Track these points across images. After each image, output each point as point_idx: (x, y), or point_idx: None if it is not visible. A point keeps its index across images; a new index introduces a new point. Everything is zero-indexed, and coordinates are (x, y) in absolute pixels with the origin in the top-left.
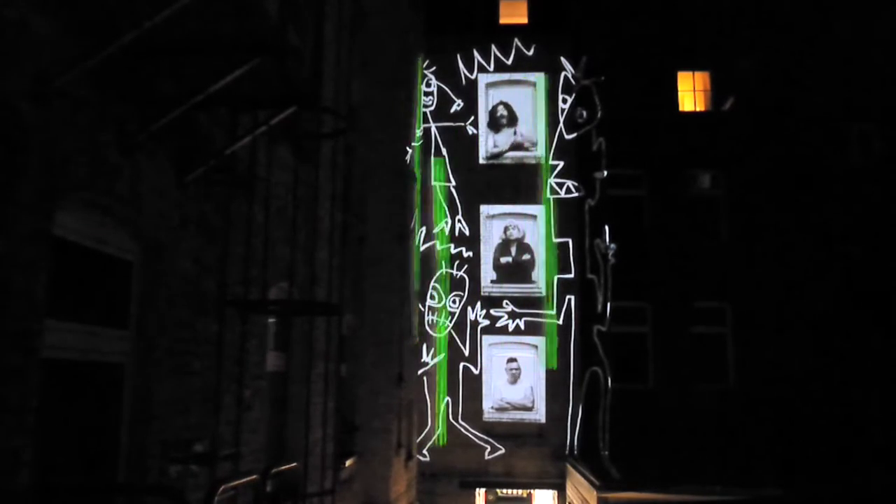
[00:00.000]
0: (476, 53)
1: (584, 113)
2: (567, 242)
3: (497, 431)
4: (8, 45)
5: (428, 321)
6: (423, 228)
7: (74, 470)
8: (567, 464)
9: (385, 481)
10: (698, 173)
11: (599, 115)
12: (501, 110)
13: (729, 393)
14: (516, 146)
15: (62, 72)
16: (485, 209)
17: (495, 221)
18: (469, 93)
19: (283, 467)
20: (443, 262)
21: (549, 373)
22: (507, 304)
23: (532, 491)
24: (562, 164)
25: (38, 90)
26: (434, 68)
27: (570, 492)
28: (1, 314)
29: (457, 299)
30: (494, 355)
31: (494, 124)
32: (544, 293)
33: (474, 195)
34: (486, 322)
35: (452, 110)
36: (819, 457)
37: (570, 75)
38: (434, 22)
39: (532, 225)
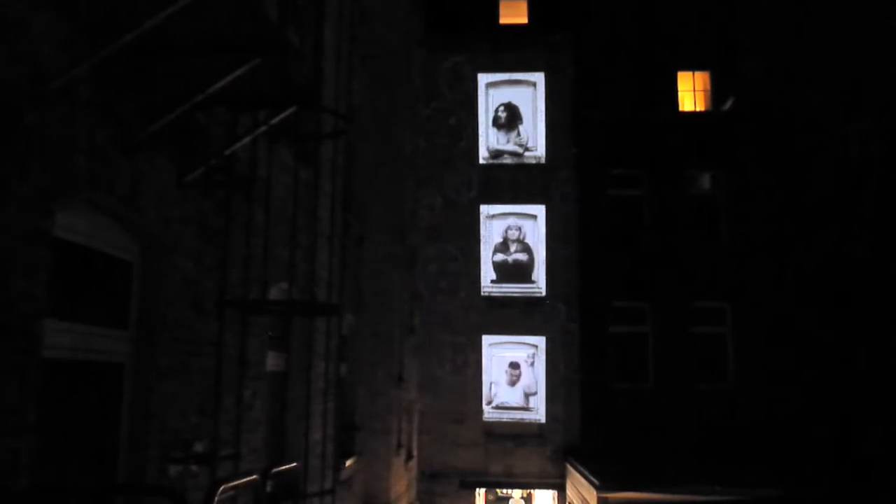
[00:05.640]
0: (476, 53)
1: (585, 113)
2: (567, 242)
3: (497, 431)
4: (8, 44)
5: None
6: (424, 227)
7: (74, 470)
8: (567, 464)
9: (385, 481)
10: (698, 173)
11: (599, 115)
12: (503, 110)
13: (729, 393)
14: (516, 146)
15: (62, 71)
16: (485, 209)
17: (495, 221)
18: (469, 92)
19: (283, 467)
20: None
21: (549, 373)
22: (507, 303)
23: (532, 491)
24: (561, 163)
25: (38, 90)
26: (434, 68)
27: (570, 492)
28: (1, 314)
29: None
30: (494, 355)
31: (497, 124)
32: (544, 293)
33: (474, 195)
34: (487, 322)
35: (452, 110)
36: (818, 457)
37: (569, 75)
38: (434, 22)
39: (532, 225)
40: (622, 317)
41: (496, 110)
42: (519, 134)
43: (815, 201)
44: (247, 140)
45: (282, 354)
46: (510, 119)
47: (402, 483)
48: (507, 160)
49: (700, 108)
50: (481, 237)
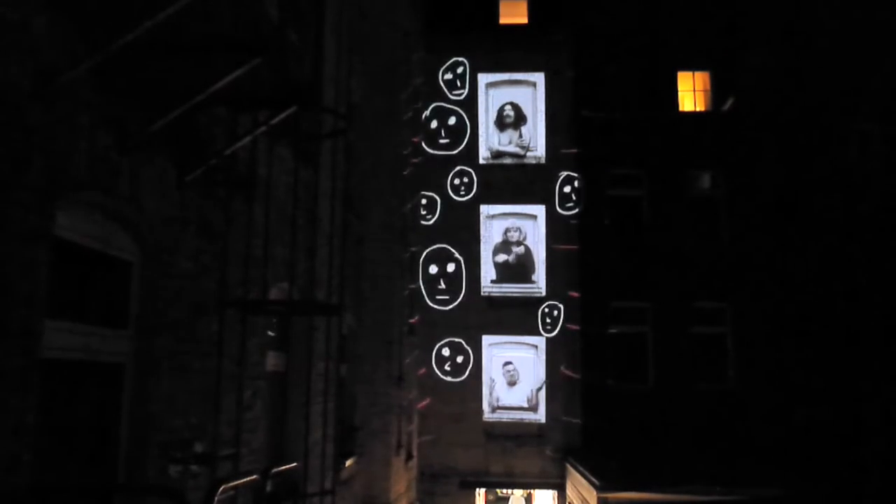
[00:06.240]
0: (476, 53)
1: (585, 113)
2: (567, 242)
3: (497, 431)
4: (9, 44)
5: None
6: (424, 227)
7: (74, 470)
8: (567, 464)
9: (385, 481)
10: (698, 173)
11: (599, 115)
12: (509, 110)
13: (729, 393)
14: (517, 146)
15: (63, 71)
16: (485, 209)
17: (495, 221)
18: (469, 93)
19: (283, 467)
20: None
21: (549, 373)
22: (507, 303)
23: (532, 491)
24: (561, 163)
25: (38, 90)
26: (434, 68)
27: (570, 492)
28: (1, 314)
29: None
30: (494, 355)
31: (501, 123)
32: (544, 293)
33: (474, 195)
34: (487, 322)
35: (452, 110)
36: (819, 456)
37: (569, 75)
38: (434, 22)
39: (532, 225)
40: (622, 317)
41: (502, 109)
42: (521, 135)
43: (815, 201)
44: (247, 140)
45: (282, 354)
46: (516, 119)
47: (402, 483)
48: (508, 160)
49: (700, 108)
50: (481, 237)
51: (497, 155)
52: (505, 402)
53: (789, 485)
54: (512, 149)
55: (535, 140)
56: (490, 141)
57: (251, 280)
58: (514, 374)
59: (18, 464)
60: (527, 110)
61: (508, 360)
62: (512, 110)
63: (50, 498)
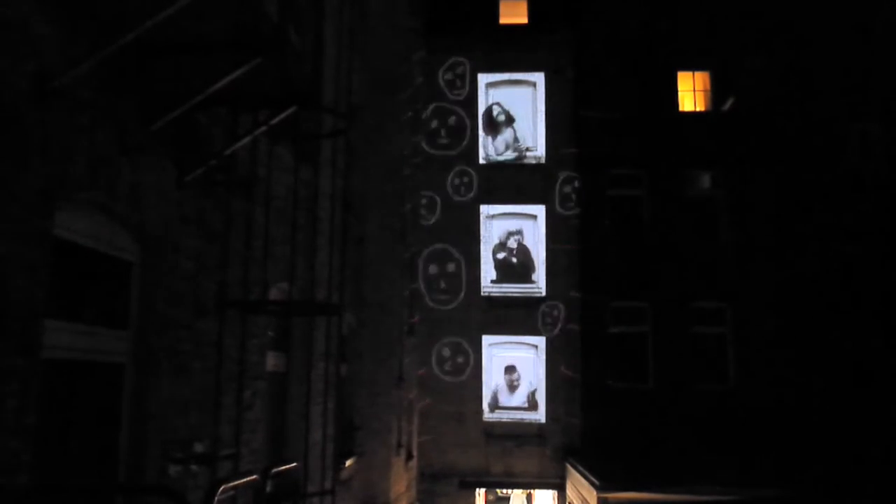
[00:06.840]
0: (476, 53)
1: (584, 113)
2: (567, 242)
3: (497, 431)
4: (8, 44)
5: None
6: (424, 227)
7: (74, 470)
8: (567, 464)
9: (385, 481)
10: (698, 173)
11: (599, 115)
12: (497, 109)
13: (729, 393)
14: (516, 147)
15: (62, 71)
16: (485, 209)
17: (495, 221)
18: (469, 93)
19: (283, 467)
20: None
21: (549, 373)
22: (507, 303)
23: (532, 491)
24: (561, 163)
25: (38, 90)
26: (434, 68)
27: (570, 492)
28: (1, 314)
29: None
30: (494, 355)
31: (492, 124)
32: (544, 293)
33: (474, 195)
34: (487, 322)
35: (452, 110)
36: (819, 457)
37: (569, 75)
38: (434, 22)
39: (532, 225)
40: (622, 317)
41: (490, 110)
42: (517, 139)
43: (815, 201)
44: (247, 140)
45: (282, 354)
46: (507, 119)
47: (402, 483)
48: (507, 160)
49: (700, 108)
50: (481, 237)
51: (497, 155)
52: (505, 401)
53: (789, 485)
54: (508, 154)
55: (534, 140)
56: (488, 151)
57: (251, 280)
58: (516, 383)
59: (18, 463)
60: (526, 110)
61: (511, 364)
62: (501, 110)
63: (50, 498)
